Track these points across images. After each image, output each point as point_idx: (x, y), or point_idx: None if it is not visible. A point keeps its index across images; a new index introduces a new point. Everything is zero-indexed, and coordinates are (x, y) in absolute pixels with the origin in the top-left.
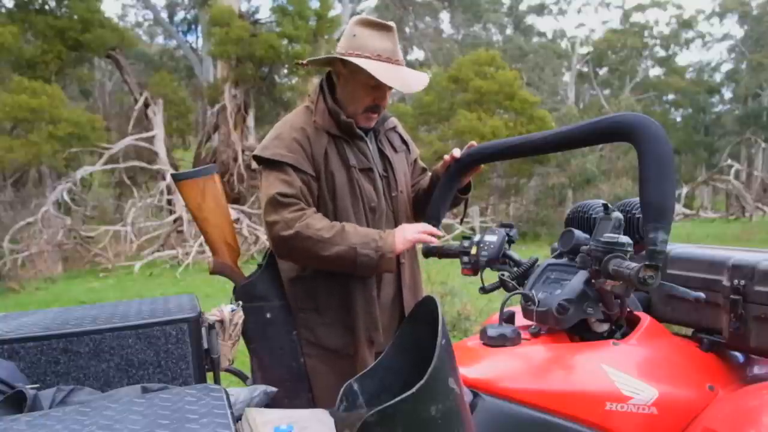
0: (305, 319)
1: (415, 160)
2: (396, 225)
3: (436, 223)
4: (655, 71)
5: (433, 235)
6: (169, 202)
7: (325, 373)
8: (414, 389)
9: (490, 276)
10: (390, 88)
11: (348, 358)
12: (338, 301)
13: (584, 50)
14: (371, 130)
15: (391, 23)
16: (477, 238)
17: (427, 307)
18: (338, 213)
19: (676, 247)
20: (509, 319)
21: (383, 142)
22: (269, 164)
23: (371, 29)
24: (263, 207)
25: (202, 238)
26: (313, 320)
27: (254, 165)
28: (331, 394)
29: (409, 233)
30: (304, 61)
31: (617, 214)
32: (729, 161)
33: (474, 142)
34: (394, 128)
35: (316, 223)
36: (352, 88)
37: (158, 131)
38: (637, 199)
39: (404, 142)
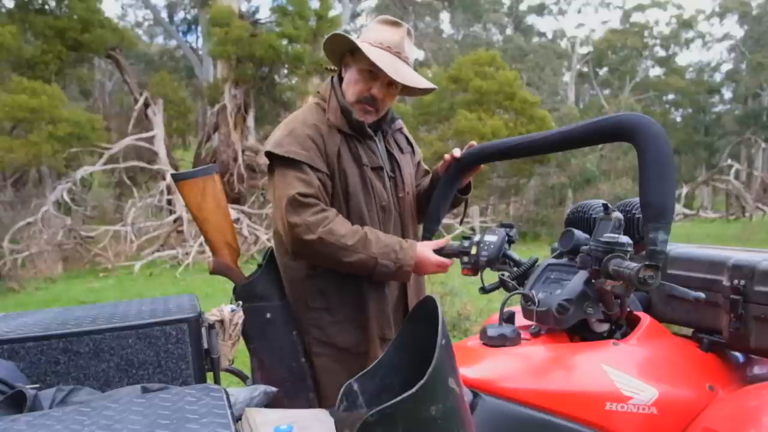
0: (316, 318)
1: (419, 162)
2: (402, 226)
3: (436, 223)
4: (655, 71)
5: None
6: (169, 202)
7: (336, 372)
8: (414, 389)
9: (490, 276)
10: (387, 81)
11: (360, 357)
12: (350, 299)
13: (584, 50)
14: (380, 131)
15: (404, 23)
16: (477, 238)
17: (427, 307)
18: (351, 211)
19: (676, 247)
20: (509, 319)
21: (391, 143)
22: (284, 162)
23: (382, 24)
24: (281, 207)
25: (202, 238)
26: (324, 319)
27: (254, 165)
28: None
29: (430, 269)
30: (330, 67)
31: (617, 214)
32: (729, 161)
33: (474, 142)
34: (400, 129)
35: (339, 229)
36: (350, 77)
37: (158, 131)
38: (637, 199)
39: (410, 143)
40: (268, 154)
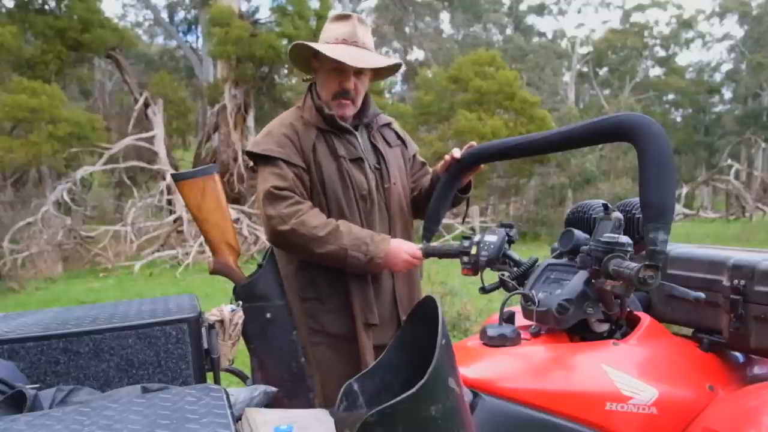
0: (310, 308)
1: (414, 156)
2: (389, 216)
3: (436, 223)
4: (655, 71)
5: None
6: (169, 202)
7: (332, 360)
8: (414, 389)
9: (490, 276)
10: (354, 71)
11: (351, 343)
12: (337, 287)
13: (584, 50)
14: (362, 125)
15: (351, 13)
16: (477, 238)
17: (427, 307)
18: (330, 202)
19: (676, 247)
20: (509, 319)
21: (376, 137)
22: (262, 159)
23: (334, 21)
24: (260, 201)
25: (202, 238)
26: (317, 308)
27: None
28: (339, 380)
29: (402, 259)
30: (306, 77)
31: (617, 214)
32: (729, 161)
33: (474, 142)
34: (388, 125)
35: (312, 221)
36: (320, 78)
37: (158, 131)
38: (637, 199)
39: (400, 138)
40: (248, 154)
